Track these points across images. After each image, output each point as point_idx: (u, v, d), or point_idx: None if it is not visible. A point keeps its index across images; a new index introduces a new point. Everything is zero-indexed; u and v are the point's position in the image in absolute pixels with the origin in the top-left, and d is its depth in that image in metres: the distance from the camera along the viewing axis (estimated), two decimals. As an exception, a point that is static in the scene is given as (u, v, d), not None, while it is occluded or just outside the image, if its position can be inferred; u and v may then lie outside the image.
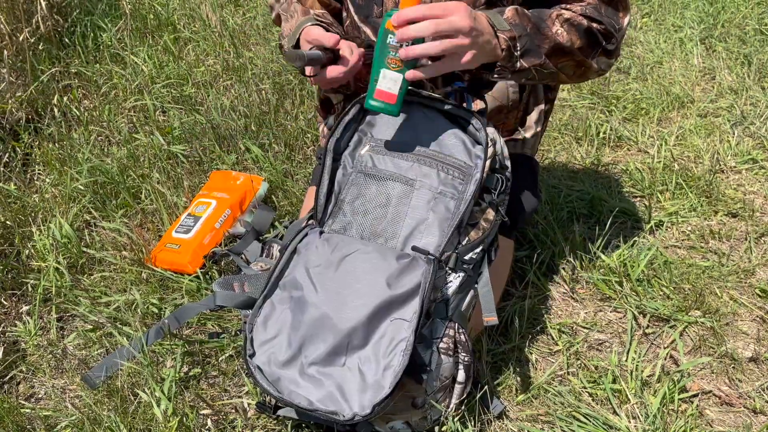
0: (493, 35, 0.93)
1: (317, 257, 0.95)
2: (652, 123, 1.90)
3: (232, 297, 1.10)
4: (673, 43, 2.35)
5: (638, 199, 1.60)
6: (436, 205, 0.97)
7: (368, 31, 1.09)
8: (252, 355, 0.93)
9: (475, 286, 0.97)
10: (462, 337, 0.94)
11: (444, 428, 0.96)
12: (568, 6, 1.04)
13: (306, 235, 0.99)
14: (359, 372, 0.88)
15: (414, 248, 0.93)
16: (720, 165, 1.69)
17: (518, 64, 0.96)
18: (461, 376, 0.95)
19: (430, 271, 0.90)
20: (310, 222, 1.02)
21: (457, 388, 0.96)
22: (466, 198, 0.95)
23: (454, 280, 0.95)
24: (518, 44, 0.95)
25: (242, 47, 2.23)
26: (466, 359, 0.94)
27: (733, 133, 1.82)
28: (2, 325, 1.27)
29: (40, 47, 2.08)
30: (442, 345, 0.93)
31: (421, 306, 0.88)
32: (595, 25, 1.03)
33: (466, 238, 0.96)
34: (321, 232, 0.99)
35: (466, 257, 0.96)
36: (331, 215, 1.01)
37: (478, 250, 0.97)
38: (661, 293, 1.30)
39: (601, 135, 1.83)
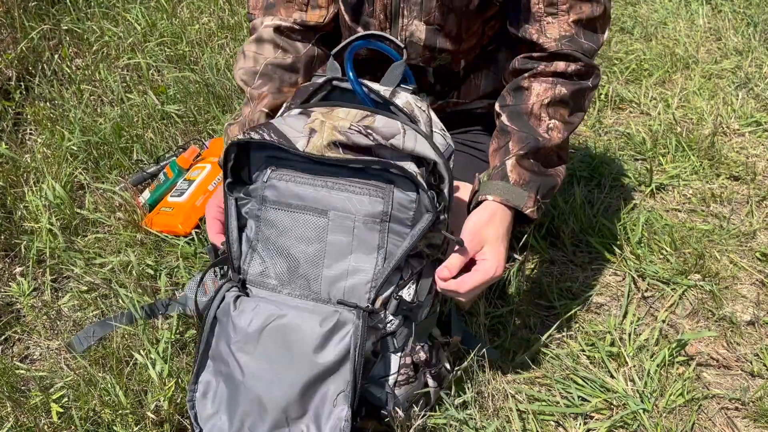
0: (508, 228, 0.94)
1: (235, 332, 0.86)
2: (654, 85, 1.86)
3: (204, 303, 1.07)
4: (678, 2, 2.29)
5: (639, 162, 1.58)
6: (360, 234, 0.85)
7: (360, 30, 1.05)
8: None
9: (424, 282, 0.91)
10: (421, 354, 0.89)
11: (441, 392, 0.96)
12: (539, 67, 0.99)
13: (222, 299, 0.90)
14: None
15: (339, 302, 0.85)
16: (723, 127, 1.67)
17: (542, 205, 0.98)
18: (431, 383, 0.92)
19: (360, 329, 0.82)
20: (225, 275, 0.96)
21: (432, 392, 0.93)
22: (412, 234, 0.85)
23: (396, 319, 0.88)
24: (539, 196, 0.96)
25: (237, 5, 2.18)
26: (432, 371, 0.92)
27: (737, 95, 1.78)
28: (-4, 287, 1.26)
29: (30, 3, 2.02)
30: (400, 378, 0.88)
31: (354, 373, 0.82)
32: (575, 80, 1.00)
33: (408, 272, 0.88)
34: (236, 297, 0.89)
35: (408, 297, 0.88)
36: (246, 259, 0.92)
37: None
38: (660, 257, 1.28)
39: (603, 97, 1.80)
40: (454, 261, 0.88)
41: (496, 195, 0.93)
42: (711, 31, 2.13)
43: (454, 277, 0.88)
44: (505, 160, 0.96)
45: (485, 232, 0.91)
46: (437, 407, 0.97)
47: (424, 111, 0.91)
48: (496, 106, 1.03)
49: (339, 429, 0.82)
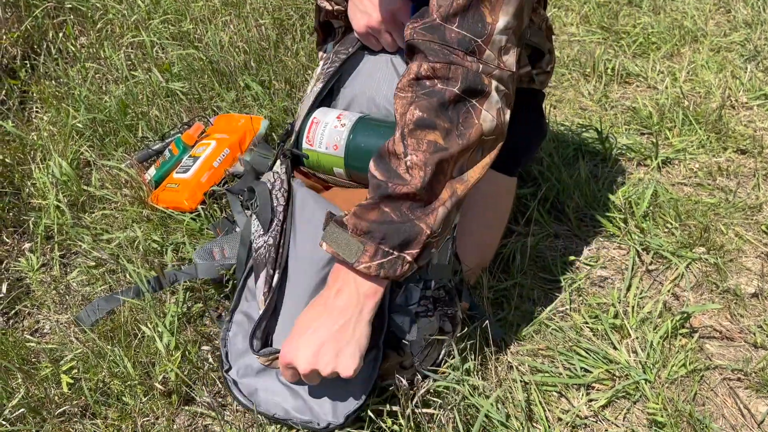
0: (352, 282, 0.79)
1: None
2: (662, 58, 1.85)
3: (213, 268, 1.11)
4: (688, -25, 2.26)
5: (646, 136, 1.57)
6: None
7: None
8: (228, 370, 0.92)
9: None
10: (441, 292, 0.91)
11: (445, 365, 0.97)
12: (399, 85, 0.80)
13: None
14: (331, 380, 0.86)
15: None
16: (731, 101, 1.65)
17: (407, 259, 0.79)
18: (447, 326, 0.94)
19: None
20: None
21: (446, 337, 0.95)
22: None
23: None
24: (387, 249, 0.78)
25: (241, -19, 2.16)
26: (449, 312, 0.93)
27: (746, 69, 1.77)
28: (5, 262, 1.27)
29: (33, -19, 2.02)
30: (419, 309, 0.90)
31: (383, 311, 0.85)
32: (429, 87, 0.78)
33: None
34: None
35: None
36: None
37: None
38: (665, 230, 1.28)
39: (610, 71, 1.78)
40: None
41: (328, 243, 0.80)
42: (720, 3, 2.10)
43: None
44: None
45: (298, 320, 0.83)
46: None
47: None
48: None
49: (367, 368, 0.85)
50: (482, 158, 0.83)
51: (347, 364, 0.80)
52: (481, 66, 0.79)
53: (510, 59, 0.81)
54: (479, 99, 0.79)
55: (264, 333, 0.91)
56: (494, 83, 0.80)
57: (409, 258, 0.79)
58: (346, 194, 0.99)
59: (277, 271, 0.91)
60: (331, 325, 0.80)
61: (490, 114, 0.80)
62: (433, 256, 0.84)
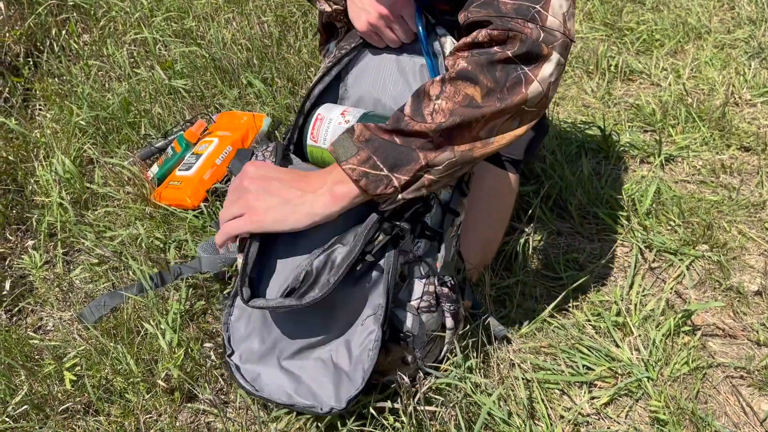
0: (329, 180, 0.81)
1: None
2: (666, 55, 1.84)
3: (217, 261, 1.11)
4: (692, -29, 2.25)
5: (649, 133, 1.56)
6: None
7: None
8: (231, 354, 0.92)
9: (451, 228, 0.93)
10: (444, 288, 0.91)
11: (448, 362, 0.97)
12: (457, 51, 0.80)
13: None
14: (333, 365, 0.87)
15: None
16: (735, 98, 1.64)
17: (393, 182, 0.79)
18: (449, 323, 0.94)
19: (392, 254, 0.85)
20: None
21: (448, 333, 0.95)
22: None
23: (422, 242, 0.90)
24: (378, 162, 0.78)
25: (243, -22, 2.16)
26: (451, 308, 0.93)
27: (750, 66, 1.76)
28: (8, 259, 1.28)
29: (35, -21, 2.02)
30: (422, 305, 0.90)
31: (387, 295, 0.85)
32: (485, 48, 0.77)
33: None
34: None
35: (430, 223, 0.90)
36: None
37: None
38: (668, 228, 1.28)
39: (613, 68, 1.78)
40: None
41: (332, 144, 0.82)
42: (724, 0, 2.10)
43: None
44: None
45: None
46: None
47: None
48: None
49: (368, 351, 0.85)
50: (518, 127, 0.82)
51: (266, 212, 0.82)
52: (542, 34, 0.76)
53: (573, 27, 0.80)
54: (533, 68, 0.77)
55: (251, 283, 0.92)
56: (555, 54, 0.77)
57: (395, 182, 0.79)
58: None
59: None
60: (289, 182, 0.83)
61: (541, 86, 0.78)
62: (421, 193, 0.82)
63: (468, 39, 0.79)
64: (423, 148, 0.79)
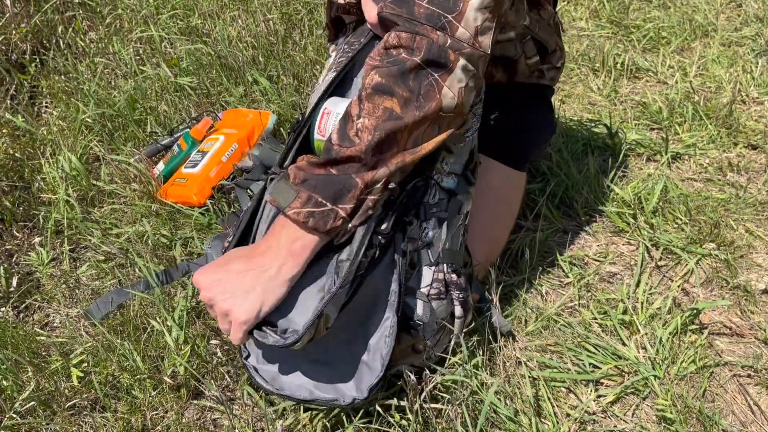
0: (283, 237, 0.80)
1: None
2: (672, 53, 1.83)
3: None
4: (699, -32, 2.24)
5: (655, 131, 1.56)
6: None
7: None
8: (248, 357, 0.92)
9: (458, 215, 0.93)
10: (453, 276, 0.91)
11: (453, 358, 0.97)
12: (371, 54, 0.80)
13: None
14: (351, 356, 0.88)
15: None
16: (742, 96, 1.64)
17: (340, 213, 0.78)
18: (458, 311, 0.94)
19: (400, 239, 0.87)
20: None
21: (457, 323, 0.95)
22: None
23: (429, 226, 0.91)
24: (320, 198, 0.78)
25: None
26: (460, 296, 0.93)
27: (757, 63, 1.75)
28: (15, 256, 1.28)
29: (42, -24, 2.02)
30: (432, 292, 0.90)
31: (399, 283, 0.86)
32: (394, 56, 0.78)
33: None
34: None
35: (433, 202, 0.90)
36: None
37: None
38: (675, 226, 1.28)
39: (619, 66, 1.77)
40: None
41: (271, 193, 0.81)
42: (731, -3, 2.09)
43: None
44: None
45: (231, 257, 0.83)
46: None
47: None
48: None
49: (385, 337, 0.85)
50: (439, 134, 0.82)
51: (242, 309, 0.79)
52: (449, 41, 0.77)
53: (486, 40, 0.80)
54: (441, 74, 0.78)
55: None
56: (461, 61, 0.78)
57: (342, 213, 0.79)
58: None
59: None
60: (245, 267, 0.80)
61: (451, 91, 0.79)
62: (371, 217, 0.82)
63: (380, 45, 0.80)
64: (358, 171, 0.78)
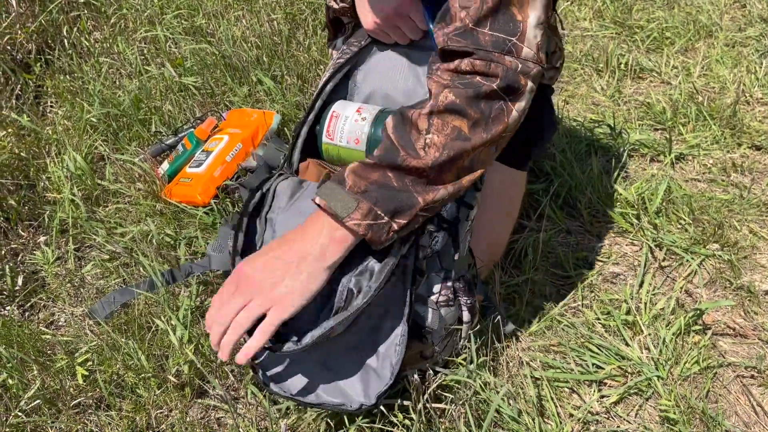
0: (327, 226, 0.79)
1: None
2: (676, 53, 1.83)
3: (226, 260, 1.10)
4: (703, -31, 2.24)
5: (659, 131, 1.56)
6: None
7: None
8: (256, 358, 0.92)
9: (466, 221, 0.93)
10: (460, 283, 0.92)
11: (458, 358, 0.97)
12: (438, 72, 0.81)
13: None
14: (360, 362, 0.88)
15: None
16: (746, 96, 1.64)
17: (393, 227, 0.79)
18: (466, 316, 0.94)
19: (411, 251, 0.87)
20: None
21: (464, 327, 0.96)
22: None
23: (440, 235, 0.91)
24: (381, 210, 0.78)
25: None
26: (468, 302, 0.93)
27: (761, 64, 1.75)
28: (21, 255, 1.29)
29: (47, -24, 2.03)
30: (441, 299, 0.91)
31: (410, 292, 0.86)
32: (470, 80, 0.78)
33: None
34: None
35: (444, 213, 0.91)
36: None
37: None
38: (678, 226, 1.28)
39: (623, 66, 1.77)
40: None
41: (322, 197, 0.79)
42: (736, -2, 2.08)
43: None
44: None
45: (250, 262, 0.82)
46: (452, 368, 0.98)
47: None
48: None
49: (395, 345, 0.85)
50: (495, 153, 0.85)
51: (287, 300, 0.78)
52: (519, 65, 0.79)
53: (544, 55, 0.82)
54: (512, 98, 0.80)
55: None
56: (529, 84, 0.81)
57: (395, 227, 0.79)
58: None
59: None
60: (291, 256, 0.79)
61: (518, 115, 0.81)
62: (412, 228, 0.83)
63: (451, 66, 0.81)
64: (419, 186, 0.79)
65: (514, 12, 0.79)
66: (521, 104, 0.81)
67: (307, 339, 0.82)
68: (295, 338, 0.83)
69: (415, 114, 0.80)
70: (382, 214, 0.78)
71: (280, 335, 0.86)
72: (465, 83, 0.79)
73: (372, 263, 0.85)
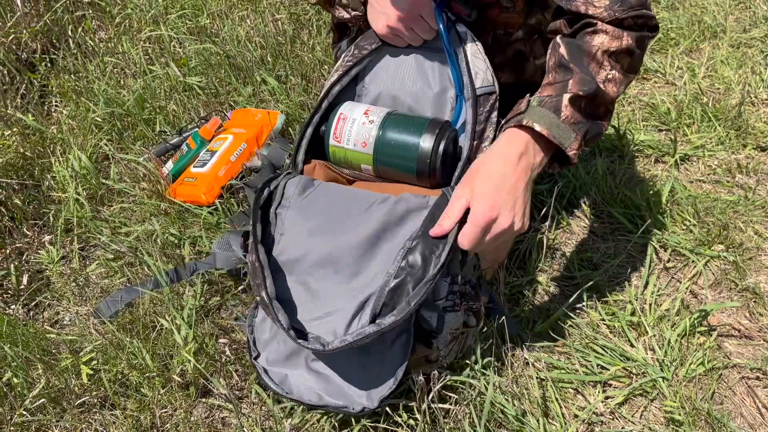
0: (531, 149, 0.87)
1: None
2: (681, 54, 1.83)
3: (231, 258, 1.11)
4: (708, -31, 2.23)
5: (664, 132, 1.56)
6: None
7: None
8: (257, 357, 0.92)
9: None
10: (467, 287, 0.92)
11: (462, 360, 0.97)
12: (597, 15, 0.92)
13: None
14: (363, 364, 0.88)
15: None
16: (751, 97, 1.63)
17: (583, 150, 0.90)
18: (472, 321, 0.94)
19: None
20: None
21: (470, 332, 0.95)
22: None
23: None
24: (584, 141, 0.89)
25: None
26: (474, 306, 0.93)
27: (766, 65, 1.74)
28: (26, 254, 1.29)
29: (52, -24, 2.03)
30: (447, 304, 0.91)
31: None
32: (636, 30, 0.92)
33: None
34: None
35: None
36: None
37: None
38: (683, 227, 1.27)
39: (628, 67, 1.77)
40: (443, 220, 0.85)
41: (543, 126, 0.86)
42: (740, -2, 2.08)
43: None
44: (562, 93, 0.89)
45: (478, 177, 0.85)
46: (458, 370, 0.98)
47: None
48: (556, 38, 0.94)
49: (399, 349, 0.86)
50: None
51: (527, 219, 0.87)
52: (654, 15, 0.93)
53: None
54: (650, 41, 0.95)
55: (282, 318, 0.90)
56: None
57: (580, 152, 0.89)
58: (371, 188, 0.99)
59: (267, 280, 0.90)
60: (520, 183, 0.85)
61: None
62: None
63: (618, 18, 0.92)
64: (602, 115, 0.92)
65: None
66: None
67: (336, 343, 0.82)
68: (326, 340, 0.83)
69: (593, 48, 0.90)
70: (584, 142, 0.88)
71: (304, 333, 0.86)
72: (632, 29, 0.92)
73: (414, 256, 0.85)
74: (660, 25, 1.93)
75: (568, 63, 0.90)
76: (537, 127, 0.85)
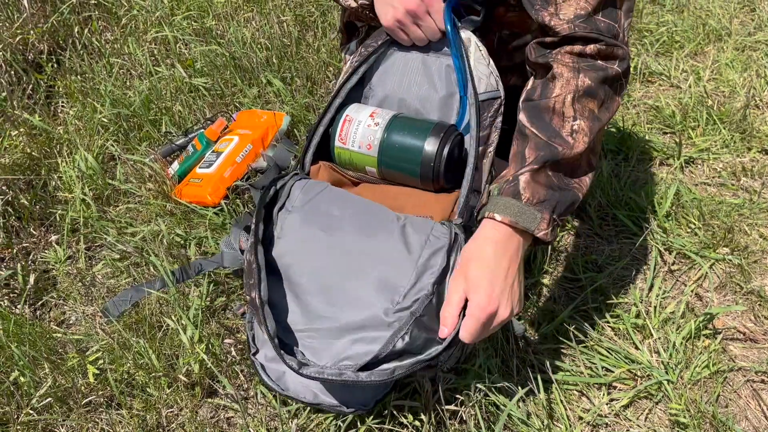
0: (520, 249, 0.83)
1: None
2: (686, 57, 1.83)
3: (238, 257, 1.12)
4: (713, -27, 2.23)
5: (668, 135, 1.56)
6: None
7: None
8: (255, 353, 0.92)
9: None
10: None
11: (468, 363, 0.97)
12: (555, 52, 0.86)
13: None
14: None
15: None
16: (756, 100, 1.63)
17: (560, 223, 0.86)
18: None
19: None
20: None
21: None
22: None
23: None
24: (555, 215, 0.84)
25: (263, -22, 2.17)
26: None
27: (772, 68, 1.74)
28: (32, 254, 1.30)
29: (58, -23, 2.04)
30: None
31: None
32: (599, 63, 0.85)
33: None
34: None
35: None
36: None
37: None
38: (688, 230, 1.27)
39: (632, 69, 1.77)
40: (445, 313, 0.83)
41: (505, 215, 0.82)
42: (745, 2, 2.08)
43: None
44: (518, 173, 0.84)
45: (471, 267, 0.82)
46: (464, 373, 0.98)
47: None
48: (519, 103, 0.91)
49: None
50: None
51: (522, 300, 0.85)
52: (625, 49, 0.87)
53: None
54: (626, 79, 0.89)
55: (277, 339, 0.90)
56: (629, 63, 0.89)
57: (560, 223, 0.85)
58: (375, 190, 0.99)
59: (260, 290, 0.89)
60: (513, 266, 0.82)
61: (624, 92, 0.90)
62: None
63: (575, 49, 0.86)
64: (573, 182, 0.85)
65: (617, 6, 0.87)
66: (626, 84, 0.89)
67: (366, 375, 0.81)
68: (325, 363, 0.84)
69: (551, 101, 0.85)
70: (558, 218, 0.83)
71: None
72: (590, 65, 0.85)
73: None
74: (665, 28, 1.93)
75: (525, 128, 0.86)
76: (498, 218, 0.82)
